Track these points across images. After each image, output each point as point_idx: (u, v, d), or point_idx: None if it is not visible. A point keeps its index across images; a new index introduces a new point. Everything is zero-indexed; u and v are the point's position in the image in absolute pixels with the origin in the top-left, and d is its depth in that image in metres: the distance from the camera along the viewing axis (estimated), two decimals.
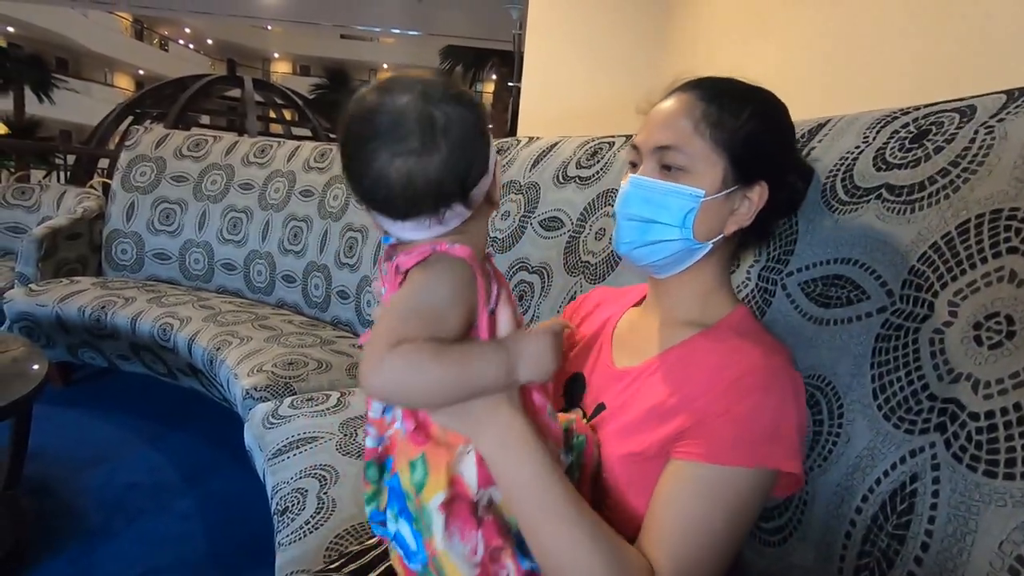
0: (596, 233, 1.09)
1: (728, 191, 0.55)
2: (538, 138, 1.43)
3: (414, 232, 0.45)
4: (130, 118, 5.85)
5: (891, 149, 0.60)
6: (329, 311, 1.96)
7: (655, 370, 0.56)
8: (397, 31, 6.30)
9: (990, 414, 0.40)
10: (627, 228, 0.58)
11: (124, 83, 19.05)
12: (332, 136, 6.98)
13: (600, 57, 2.26)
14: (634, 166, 0.59)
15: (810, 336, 0.58)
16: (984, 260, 0.45)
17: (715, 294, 0.60)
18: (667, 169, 0.56)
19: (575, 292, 1.08)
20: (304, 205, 2.05)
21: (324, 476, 0.97)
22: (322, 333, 1.74)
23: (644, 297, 0.68)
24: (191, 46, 20.98)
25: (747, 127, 0.54)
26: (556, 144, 1.35)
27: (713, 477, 0.46)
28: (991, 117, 0.52)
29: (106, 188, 2.87)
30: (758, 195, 0.56)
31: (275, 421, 1.16)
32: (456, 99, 0.44)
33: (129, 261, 2.21)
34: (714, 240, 0.57)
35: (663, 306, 0.62)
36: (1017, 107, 0.50)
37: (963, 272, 0.46)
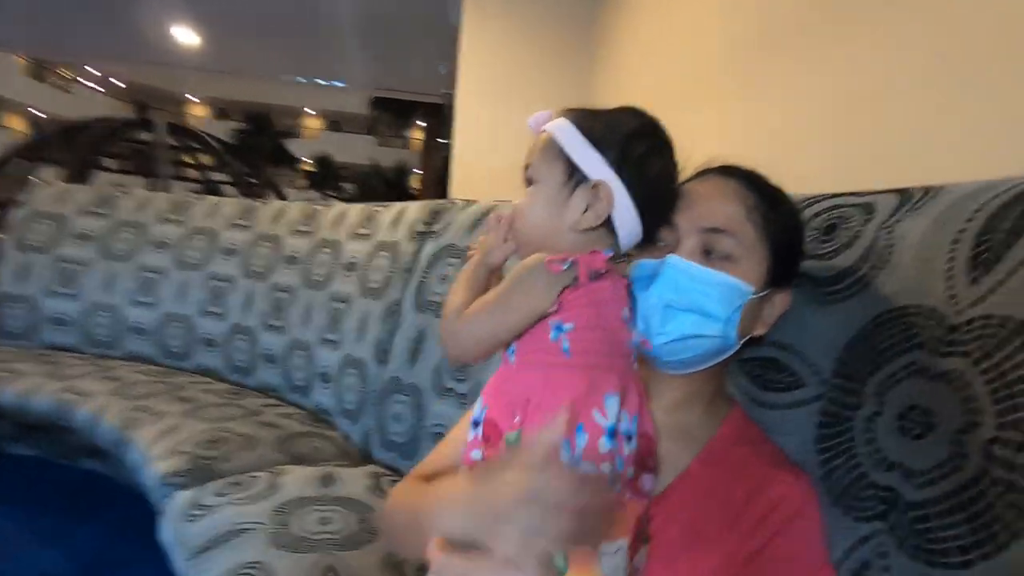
0: None
1: (765, 292, 0.52)
2: (475, 201, 1.46)
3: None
4: (22, 164, 5.38)
5: (808, 239, 0.66)
6: (254, 376, 1.84)
7: (674, 510, 0.50)
8: (323, 83, 6.28)
9: (923, 503, 0.44)
10: (668, 318, 0.50)
11: (17, 126, 17.58)
12: (253, 182, 6.75)
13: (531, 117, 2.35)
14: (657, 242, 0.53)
15: (756, 418, 0.61)
16: (900, 353, 0.50)
17: (718, 394, 0.57)
18: (708, 255, 0.51)
19: None
20: (227, 264, 1.95)
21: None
22: (247, 402, 1.63)
23: None
24: (96, 87, 19.82)
25: (790, 223, 0.54)
26: (493, 208, 1.37)
27: None
28: (889, 217, 0.58)
29: None
30: (782, 301, 0.54)
31: (198, 512, 1.06)
32: None
33: (21, 328, 1.98)
34: (743, 341, 0.53)
35: (657, 407, 0.53)
36: (908, 209, 0.57)
37: (884, 364, 0.51)
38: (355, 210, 1.82)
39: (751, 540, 0.48)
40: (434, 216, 1.50)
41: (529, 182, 0.52)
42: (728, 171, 0.56)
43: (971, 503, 0.40)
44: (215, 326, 1.92)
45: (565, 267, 0.45)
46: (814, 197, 0.69)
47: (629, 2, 2.20)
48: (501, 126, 2.40)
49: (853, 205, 0.63)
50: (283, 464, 1.27)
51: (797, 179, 0.59)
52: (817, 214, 0.67)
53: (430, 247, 1.43)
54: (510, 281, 0.47)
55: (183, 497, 1.11)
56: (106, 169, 6.65)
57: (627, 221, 0.48)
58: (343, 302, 1.64)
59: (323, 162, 10.80)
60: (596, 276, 0.46)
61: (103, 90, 19.67)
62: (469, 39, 2.37)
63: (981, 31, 0.78)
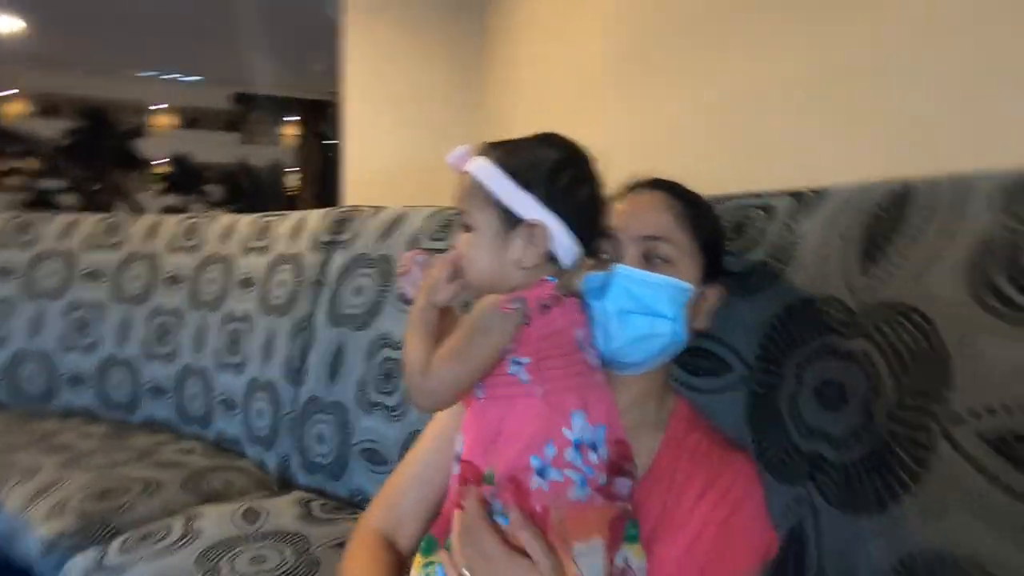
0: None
1: (702, 289, 0.58)
2: (383, 208, 1.42)
3: None
4: None
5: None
6: (139, 412, 1.66)
7: (641, 500, 0.55)
8: (178, 77, 5.68)
9: (844, 465, 0.52)
10: (623, 323, 0.54)
11: None
12: (96, 189, 5.93)
13: (421, 121, 2.32)
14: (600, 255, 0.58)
15: (690, 400, 0.67)
16: (812, 337, 0.58)
17: (666, 388, 0.63)
18: (648, 260, 0.56)
19: None
20: (92, 290, 1.72)
21: None
22: (135, 442, 1.47)
23: None
24: None
25: (712, 224, 0.61)
26: (403, 215, 1.35)
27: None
28: (789, 218, 0.67)
29: None
30: (715, 295, 0.60)
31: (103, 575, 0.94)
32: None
33: None
34: (688, 336, 0.58)
35: (618, 407, 0.56)
36: (803, 210, 0.67)
37: (799, 347, 0.59)
38: (245, 222, 1.69)
39: (713, 516, 0.54)
40: (339, 225, 1.44)
41: (466, 228, 0.53)
42: (654, 184, 0.62)
43: (881, 458, 0.49)
44: (83, 361, 1.69)
45: (516, 307, 0.48)
46: (721, 197, 0.77)
47: (519, 7, 2.24)
48: (393, 126, 2.35)
49: (755, 206, 0.72)
50: (195, 505, 1.16)
51: (676, 178, 0.65)
52: (725, 213, 0.75)
53: (340, 258, 1.37)
54: (470, 327, 0.49)
55: (80, 562, 0.98)
56: None
57: (566, 247, 0.52)
58: (242, 321, 1.52)
59: (181, 163, 9.69)
60: (545, 308, 0.49)
61: None
62: (353, 36, 2.28)
63: (839, 45, 0.92)
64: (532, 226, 0.50)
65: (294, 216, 1.61)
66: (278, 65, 4.10)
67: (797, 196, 0.69)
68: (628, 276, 0.55)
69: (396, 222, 1.33)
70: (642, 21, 1.57)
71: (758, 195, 0.74)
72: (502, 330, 0.48)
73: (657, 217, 0.58)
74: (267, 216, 1.68)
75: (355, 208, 1.47)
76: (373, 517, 0.67)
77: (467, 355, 0.48)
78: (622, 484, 0.50)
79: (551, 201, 0.50)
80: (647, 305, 0.54)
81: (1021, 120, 0.67)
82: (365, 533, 0.65)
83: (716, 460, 0.57)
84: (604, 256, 0.58)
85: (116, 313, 1.71)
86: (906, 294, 0.51)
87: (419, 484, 0.65)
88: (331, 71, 2.84)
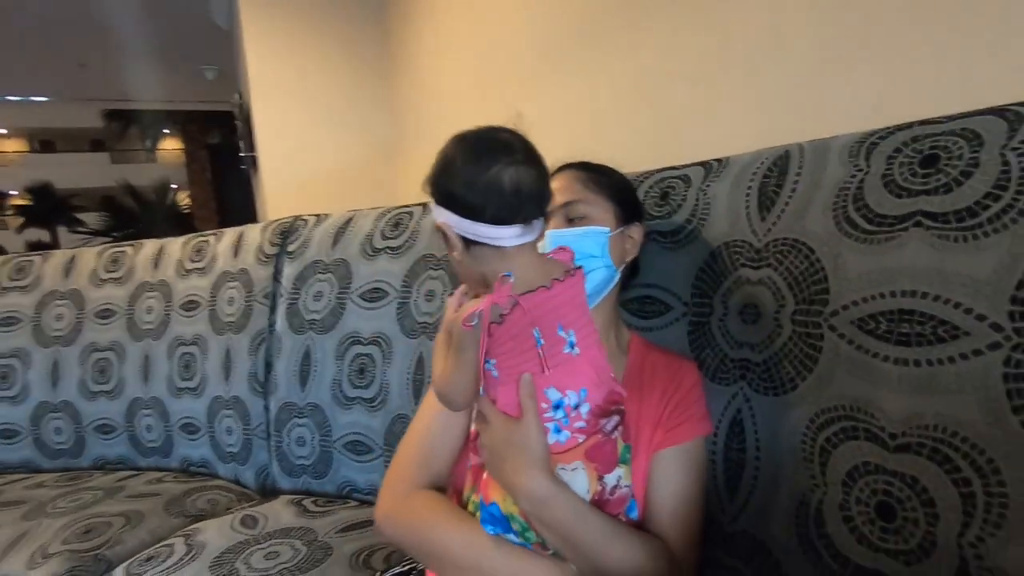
0: (425, 295, 1.22)
1: (620, 229, 0.73)
2: (326, 216, 1.47)
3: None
4: None
5: (648, 205, 0.90)
6: (87, 454, 1.60)
7: (626, 404, 0.68)
8: (43, 99, 5.13)
9: (765, 362, 0.70)
10: None
11: None
12: None
13: (334, 119, 2.33)
14: None
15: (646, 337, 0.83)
16: (730, 272, 0.76)
17: (619, 322, 0.78)
18: (572, 222, 0.71)
19: (420, 354, 1.19)
20: (7, 337, 1.63)
21: None
22: (96, 483, 1.43)
23: None
24: None
25: (616, 180, 0.76)
26: (350, 219, 1.41)
27: (691, 449, 0.67)
28: (702, 183, 0.85)
29: None
30: (637, 233, 0.75)
31: None
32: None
33: None
34: (621, 267, 0.73)
35: None
36: (712, 176, 0.84)
37: (722, 282, 0.76)
38: (175, 245, 1.66)
39: (678, 408, 0.69)
40: (283, 236, 1.48)
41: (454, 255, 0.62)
42: (562, 167, 0.79)
43: (789, 352, 0.67)
44: (10, 413, 1.60)
45: (474, 323, 0.55)
46: (646, 173, 0.93)
47: (423, 6, 2.29)
48: (305, 128, 2.34)
49: (675, 177, 0.89)
50: (189, 526, 1.18)
51: (603, 156, 0.80)
52: (651, 186, 0.91)
53: (292, 267, 1.41)
54: (455, 347, 0.58)
55: None
56: None
57: (521, 237, 0.58)
58: (193, 345, 1.52)
59: (43, 192, 8.63)
60: (500, 316, 0.55)
61: None
62: (252, 43, 2.23)
63: (738, 32, 1.10)
64: (491, 244, 0.56)
65: (228, 234, 1.62)
66: (159, 77, 3.84)
67: (706, 165, 0.87)
68: (557, 234, 0.70)
69: (345, 226, 1.39)
70: (554, 6, 1.70)
71: (675, 168, 0.91)
72: (472, 345, 0.56)
73: (569, 187, 0.73)
74: (198, 236, 1.66)
75: (297, 218, 1.51)
76: (409, 481, 0.75)
77: (456, 371, 0.58)
78: (607, 422, 0.60)
79: (500, 215, 0.55)
80: (578, 250, 0.68)
81: (856, 93, 0.88)
82: (410, 492, 0.73)
83: (673, 367, 0.74)
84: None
85: (43, 357, 1.63)
86: (793, 230, 0.69)
87: (447, 437, 0.74)
88: (225, 81, 2.76)
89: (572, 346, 0.58)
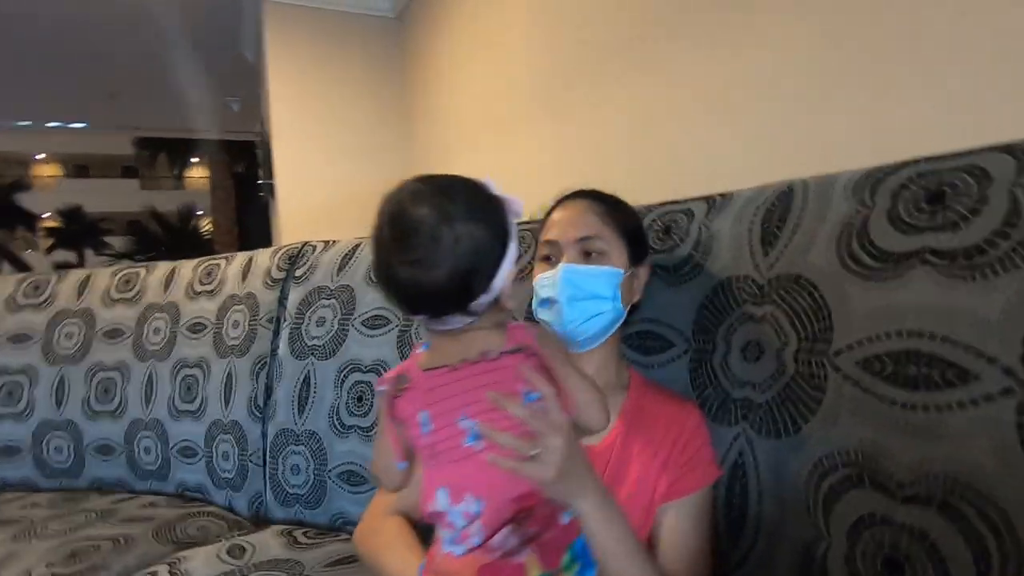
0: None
1: (632, 270, 0.72)
2: (334, 242, 1.48)
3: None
4: None
5: (652, 239, 0.89)
6: (85, 475, 1.59)
7: (621, 447, 0.68)
8: (79, 126, 5.36)
9: (767, 402, 0.67)
10: (571, 309, 0.67)
11: None
12: None
13: (351, 151, 2.39)
14: (548, 259, 0.71)
15: (645, 376, 0.81)
16: (732, 309, 0.74)
17: (619, 359, 0.76)
18: (587, 255, 0.69)
19: None
20: (19, 353, 1.64)
21: None
22: (90, 504, 1.42)
23: None
24: None
25: (632, 219, 0.74)
26: (358, 246, 1.42)
27: (699, 500, 0.64)
28: (704, 217, 0.84)
29: None
30: (645, 273, 0.75)
31: None
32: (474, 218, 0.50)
33: None
34: (627, 309, 0.72)
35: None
36: (714, 211, 0.83)
37: (724, 319, 0.74)
38: (186, 268, 1.68)
39: (680, 456, 0.67)
40: (291, 261, 1.49)
41: None
42: (579, 194, 0.77)
43: (792, 393, 0.64)
44: (13, 430, 1.60)
45: (381, 388, 0.53)
46: (649, 206, 0.93)
47: (437, 33, 2.37)
48: (323, 162, 2.39)
49: (678, 211, 0.88)
50: (174, 553, 1.16)
51: (608, 189, 0.80)
52: (655, 219, 0.90)
53: (297, 293, 1.42)
54: None
55: None
56: None
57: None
58: (196, 367, 1.52)
59: (74, 216, 8.93)
60: (400, 389, 0.52)
61: None
62: (276, 75, 2.31)
63: (741, 68, 1.11)
64: None
65: (240, 257, 1.63)
66: (191, 108, 3.99)
67: (709, 200, 0.86)
68: (573, 270, 0.69)
69: (352, 252, 1.40)
70: (564, 46, 1.74)
71: (678, 202, 0.90)
72: (383, 411, 0.53)
73: (586, 220, 0.71)
74: (210, 260, 1.68)
75: (306, 244, 1.52)
76: (385, 505, 0.74)
77: (378, 435, 0.55)
78: (507, 539, 0.50)
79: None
80: (590, 291, 0.68)
81: (857, 128, 0.87)
82: (385, 516, 0.73)
83: (675, 408, 0.71)
84: (553, 260, 0.72)
85: (49, 375, 1.64)
86: (797, 266, 0.68)
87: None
88: (249, 112, 2.85)
89: (477, 439, 0.50)
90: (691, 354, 0.78)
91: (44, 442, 1.60)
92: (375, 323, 1.28)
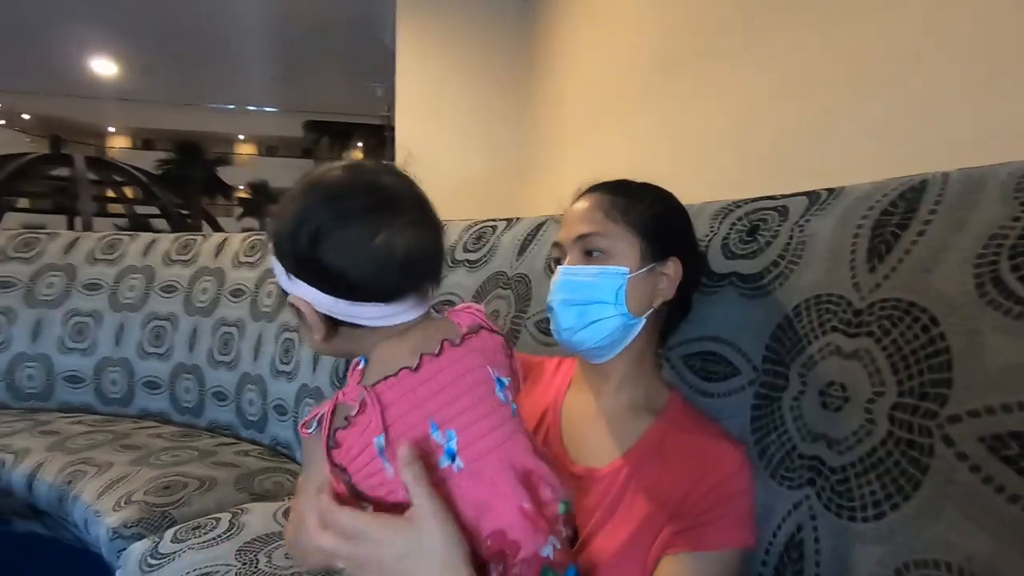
0: (490, 315, 1.14)
1: (648, 268, 0.61)
2: None
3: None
4: None
5: (733, 240, 0.72)
6: (204, 416, 1.78)
7: (628, 476, 0.57)
8: (254, 108, 6.15)
9: (843, 468, 0.50)
10: (565, 313, 0.61)
11: None
12: (185, 212, 6.48)
13: (469, 136, 2.41)
14: (558, 262, 0.64)
15: (701, 406, 0.66)
16: (816, 337, 0.56)
17: (653, 376, 0.65)
18: (589, 255, 0.61)
19: None
20: (167, 302, 1.88)
21: None
22: (199, 443, 1.58)
23: (570, 381, 0.70)
24: (1, 122, 18.45)
25: (652, 210, 0.63)
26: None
27: (716, 562, 0.51)
28: (800, 217, 0.66)
29: None
30: (673, 270, 0.62)
31: (156, 562, 1.02)
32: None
33: None
34: (646, 314, 0.61)
35: (606, 393, 0.63)
36: (816, 209, 0.65)
37: (804, 348, 0.57)
38: (236, 239, 1.89)
39: (701, 502, 0.53)
40: None
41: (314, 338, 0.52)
42: (593, 188, 0.67)
43: (880, 462, 0.47)
44: (158, 367, 1.85)
45: (310, 430, 0.44)
46: (737, 202, 0.76)
47: (559, 24, 2.29)
48: (440, 143, 2.44)
49: (770, 208, 0.70)
50: (245, 503, 1.24)
51: (703, 185, 0.65)
52: (740, 217, 0.73)
53: None
54: (303, 464, 0.50)
55: (138, 549, 1.07)
56: (19, 209, 6.21)
57: (410, 312, 0.47)
58: (294, 331, 1.62)
59: (260, 189, 10.51)
60: (346, 421, 0.43)
61: (4, 123, 18.33)
62: (403, 61, 2.40)
63: (858, 46, 0.88)
64: (295, 306, 0.45)
65: None
66: (344, 93, 4.36)
67: (811, 196, 0.67)
68: (568, 271, 0.62)
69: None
70: (673, 34, 1.56)
71: (773, 197, 0.72)
72: (315, 455, 0.44)
73: (589, 216, 0.62)
74: (254, 235, 1.89)
75: None
76: None
77: (302, 494, 0.46)
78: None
79: (307, 274, 0.44)
80: (588, 295, 0.60)
81: (1015, 118, 0.62)
82: None
83: (710, 446, 0.57)
84: (561, 263, 0.64)
85: (187, 324, 1.86)
86: (912, 289, 0.49)
87: None
88: (390, 96, 3.01)
89: (452, 457, 0.43)
90: (756, 387, 0.62)
91: (177, 382, 1.82)
92: (441, 309, 1.25)
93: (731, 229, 0.74)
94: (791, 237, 0.65)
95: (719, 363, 0.67)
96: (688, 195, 0.93)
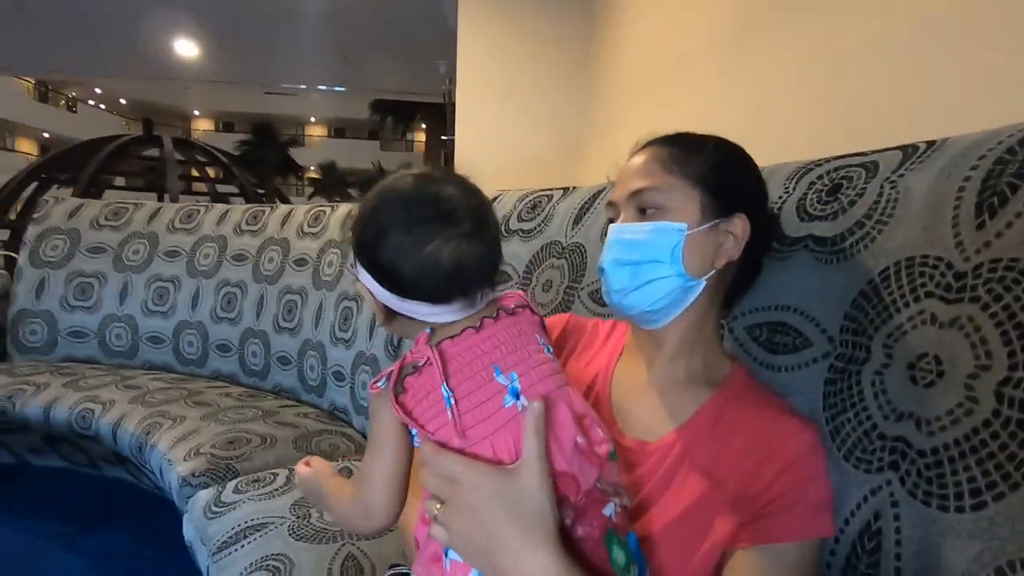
0: (543, 285, 1.11)
1: (710, 224, 0.55)
2: None
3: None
4: (34, 184, 5.47)
5: (811, 201, 0.65)
6: (269, 379, 1.87)
7: (682, 452, 0.53)
8: (323, 88, 6.33)
9: (935, 451, 0.43)
10: (617, 274, 0.56)
11: (27, 148, 17.94)
12: (260, 191, 6.81)
13: (529, 111, 2.36)
14: (612, 222, 0.60)
15: (766, 380, 0.60)
16: (907, 304, 0.49)
17: (713, 345, 0.59)
18: (643, 212, 0.57)
19: None
20: (237, 270, 1.97)
21: (278, 567, 0.90)
22: (263, 404, 1.65)
23: (622, 348, 0.65)
24: (102, 106, 20.07)
25: (713, 159, 0.57)
26: (497, 198, 1.37)
27: (792, 555, 0.47)
28: (893, 172, 0.58)
29: (9, 263, 2.64)
30: (740, 227, 0.56)
31: (218, 509, 1.07)
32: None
33: (40, 343, 2.02)
34: (707, 276, 0.56)
35: (659, 362, 0.59)
36: (912, 163, 0.57)
37: (891, 316, 0.50)
38: (300, 211, 1.95)
39: (772, 488, 0.48)
40: None
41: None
42: (651, 142, 0.61)
43: (983, 446, 0.40)
44: (228, 331, 1.95)
45: (380, 385, 0.47)
46: (817, 161, 0.68)
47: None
48: (500, 118, 2.41)
49: (857, 165, 0.63)
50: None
51: (779, 148, 0.59)
52: (821, 175, 0.66)
53: None
54: (370, 423, 0.51)
55: (204, 496, 1.13)
56: (116, 187, 6.74)
57: (457, 313, 0.49)
58: (352, 300, 1.66)
59: (328, 169, 10.90)
60: (414, 369, 0.47)
61: (105, 108, 19.93)
62: (464, 37, 2.37)
63: None
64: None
65: (344, 207, 1.83)
66: (408, 71, 4.41)
67: (906, 150, 0.59)
68: (621, 229, 0.57)
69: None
70: None
71: (862, 154, 0.64)
72: (384, 410, 0.48)
73: (645, 170, 0.58)
74: (318, 206, 1.94)
75: None
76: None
77: (373, 452, 0.49)
78: (594, 516, 0.47)
79: (372, 269, 0.49)
80: (641, 253, 0.55)
81: None
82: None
83: (773, 421, 0.52)
84: (610, 223, 0.60)
85: (255, 291, 1.94)
86: None
87: None
88: (451, 73, 3.00)
89: (516, 395, 0.45)
90: (832, 360, 0.55)
91: (246, 346, 1.91)
92: (497, 279, 1.23)
93: (809, 188, 0.66)
94: (880, 195, 0.57)
95: (788, 334, 0.61)
96: (764, 161, 0.85)
